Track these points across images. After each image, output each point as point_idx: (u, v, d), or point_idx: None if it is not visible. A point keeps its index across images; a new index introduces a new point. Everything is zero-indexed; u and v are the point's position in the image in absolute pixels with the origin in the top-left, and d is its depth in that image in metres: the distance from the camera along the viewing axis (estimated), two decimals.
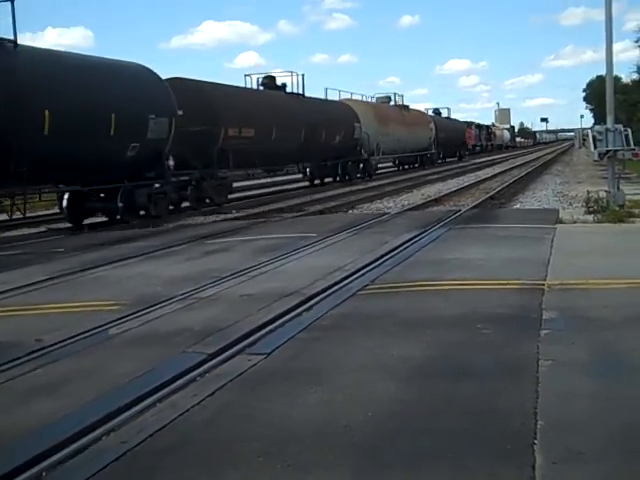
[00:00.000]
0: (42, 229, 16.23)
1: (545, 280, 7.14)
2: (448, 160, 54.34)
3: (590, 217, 12.90)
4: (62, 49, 16.22)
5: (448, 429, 3.63)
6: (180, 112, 17.64)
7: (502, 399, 4.01)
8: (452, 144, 54.41)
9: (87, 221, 16.50)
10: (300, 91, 27.08)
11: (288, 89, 26.49)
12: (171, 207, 18.19)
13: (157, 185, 16.92)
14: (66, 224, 16.50)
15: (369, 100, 38.71)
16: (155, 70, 17.67)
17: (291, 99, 26.12)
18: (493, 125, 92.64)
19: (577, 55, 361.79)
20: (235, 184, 25.29)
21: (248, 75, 26.18)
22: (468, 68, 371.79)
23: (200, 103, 19.84)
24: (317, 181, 30.55)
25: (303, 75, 27.11)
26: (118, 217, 16.25)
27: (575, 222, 12.40)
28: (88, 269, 9.12)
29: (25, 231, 15.71)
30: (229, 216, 17.83)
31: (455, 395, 4.12)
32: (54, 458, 3.45)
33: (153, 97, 16.82)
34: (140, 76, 16.92)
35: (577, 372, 4.47)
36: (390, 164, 44.25)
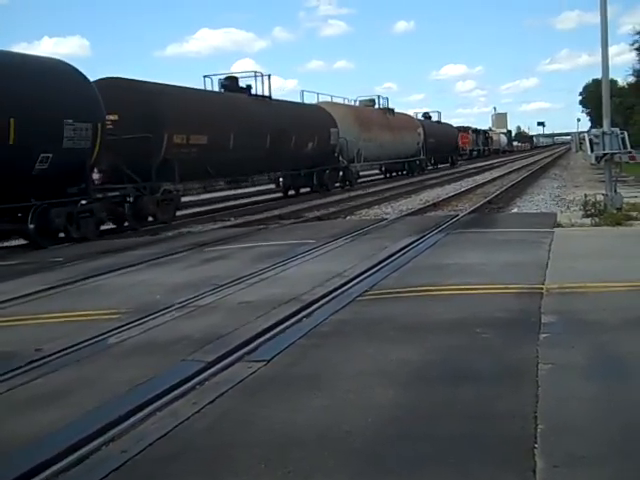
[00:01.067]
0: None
1: (544, 284, 7.15)
2: (440, 166, 52.84)
3: (588, 220, 12.91)
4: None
5: (448, 434, 3.63)
6: (113, 117, 16.10)
7: (502, 403, 4.01)
8: (444, 149, 52.55)
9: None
10: (267, 93, 24.64)
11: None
12: (112, 226, 16.72)
13: (83, 202, 14.57)
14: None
15: (352, 103, 36.73)
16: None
17: (255, 102, 23.54)
18: (490, 130, 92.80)
19: (572, 59, 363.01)
20: (190, 198, 24.44)
21: (207, 76, 23.59)
22: (464, 73, 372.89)
23: (139, 106, 17.41)
24: (292, 192, 28.28)
25: (269, 76, 24.88)
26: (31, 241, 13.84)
27: (573, 225, 12.41)
28: (87, 278, 9.12)
29: None
30: (227, 223, 17.84)
31: (455, 400, 4.12)
32: (55, 467, 3.45)
33: (72, 99, 14.17)
34: (55, 74, 14.23)
35: (577, 375, 4.47)
36: (376, 171, 42.77)
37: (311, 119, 27.72)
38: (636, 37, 41.99)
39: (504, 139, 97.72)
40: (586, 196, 14.58)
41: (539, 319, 5.82)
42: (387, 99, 40.10)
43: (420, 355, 5.03)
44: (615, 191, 14.03)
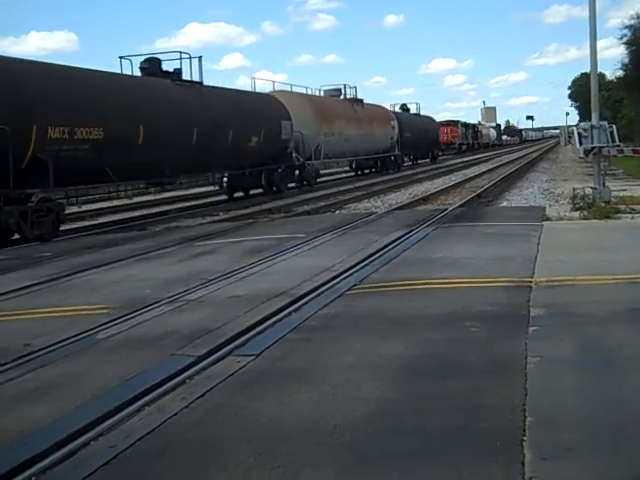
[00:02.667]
0: None
1: (532, 277, 7.17)
2: (420, 162, 49.97)
3: (576, 214, 12.96)
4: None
5: (437, 427, 3.64)
6: None
7: (490, 396, 4.02)
8: (423, 144, 48.80)
9: None
10: (198, 79, 20.54)
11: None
12: None
13: None
14: None
15: (316, 93, 32.76)
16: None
17: (179, 89, 19.48)
18: (479, 124, 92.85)
19: (561, 53, 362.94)
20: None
21: (124, 57, 19.38)
22: (453, 67, 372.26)
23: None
24: (241, 193, 24.61)
25: (200, 58, 20.59)
26: None
27: (562, 219, 12.45)
28: (76, 273, 9.08)
29: None
30: (216, 218, 17.80)
31: (443, 393, 4.13)
32: (43, 463, 3.43)
33: None
34: None
35: (565, 368, 4.49)
36: (347, 168, 39.64)
37: (256, 110, 23.27)
38: (625, 31, 41.97)
39: (493, 133, 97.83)
40: (575, 189, 14.63)
41: (528, 312, 5.84)
42: (355, 88, 35.73)
43: (409, 349, 5.03)
44: (603, 184, 14.09)
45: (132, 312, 6.53)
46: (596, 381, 4.29)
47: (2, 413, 4.22)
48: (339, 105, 33.29)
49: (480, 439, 3.46)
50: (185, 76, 20.13)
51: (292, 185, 26.87)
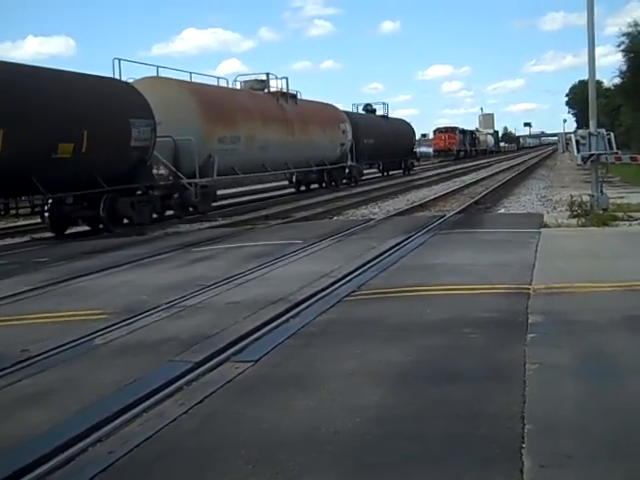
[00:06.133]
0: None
1: (531, 284, 7.17)
2: (392, 173, 42.09)
3: (574, 221, 12.97)
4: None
5: (436, 434, 3.63)
6: None
7: (489, 403, 4.02)
8: (392, 153, 39.73)
9: None
10: None
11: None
12: None
13: None
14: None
15: (237, 85, 25.12)
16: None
17: None
18: (477, 130, 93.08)
19: (558, 60, 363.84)
20: None
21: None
22: (450, 74, 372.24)
23: None
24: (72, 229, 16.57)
25: None
26: None
27: (559, 226, 12.46)
28: (73, 278, 9.07)
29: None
30: (215, 224, 17.78)
31: (442, 400, 4.12)
32: (41, 469, 3.42)
33: None
34: None
35: (564, 375, 4.48)
36: (285, 183, 31.05)
37: (91, 103, 15.21)
38: (622, 38, 42.10)
39: (491, 139, 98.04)
40: (572, 197, 14.65)
41: (526, 319, 5.84)
42: (286, 79, 26.54)
43: (408, 355, 5.03)
44: (601, 192, 14.10)
45: (130, 318, 6.51)
46: (595, 388, 4.29)
47: (0, 419, 4.20)
48: (255, 100, 24.34)
49: (479, 446, 3.45)
50: None
51: (168, 215, 18.94)
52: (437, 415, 3.90)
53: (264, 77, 26.07)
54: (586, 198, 14.13)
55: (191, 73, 21.72)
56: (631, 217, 13.00)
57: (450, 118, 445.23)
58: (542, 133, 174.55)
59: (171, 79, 20.87)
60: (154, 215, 17.78)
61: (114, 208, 15.80)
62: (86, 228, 16.57)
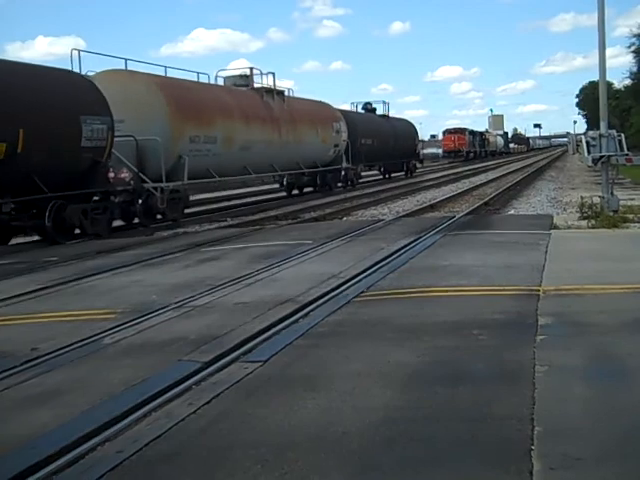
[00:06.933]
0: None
1: (540, 286, 7.15)
2: (394, 176, 39.47)
3: (584, 223, 12.92)
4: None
5: (445, 436, 3.62)
6: None
7: (499, 405, 4.00)
8: (393, 155, 37.47)
9: None
10: None
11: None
12: None
13: None
14: None
15: (222, 82, 23.43)
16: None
17: None
18: (487, 131, 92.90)
19: (567, 61, 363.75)
20: None
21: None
22: (460, 75, 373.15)
23: None
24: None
25: None
26: None
27: (569, 228, 12.43)
28: (83, 278, 9.10)
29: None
30: (224, 224, 17.80)
31: (452, 401, 4.11)
32: (49, 468, 3.43)
33: None
34: None
35: (573, 377, 4.46)
36: (276, 186, 29.07)
37: (33, 96, 13.34)
38: (633, 40, 42.11)
39: (501, 141, 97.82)
40: (582, 198, 14.60)
41: (536, 321, 5.82)
42: (273, 74, 24.64)
43: (417, 357, 5.01)
44: (612, 193, 14.06)
45: (139, 317, 6.53)
46: (604, 390, 4.26)
47: (9, 417, 4.22)
48: (235, 97, 22.30)
49: (489, 448, 3.44)
50: None
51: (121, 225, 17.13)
52: (446, 416, 3.88)
53: (247, 71, 24.37)
54: (596, 200, 14.07)
55: (166, 67, 20.13)
56: None
57: (459, 119, 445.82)
58: (552, 135, 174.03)
59: (136, 72, 18.68)
60: (118, 223, 16.44)
61: (61, 217, 13.95)
62: (36, 238, 14.88)
